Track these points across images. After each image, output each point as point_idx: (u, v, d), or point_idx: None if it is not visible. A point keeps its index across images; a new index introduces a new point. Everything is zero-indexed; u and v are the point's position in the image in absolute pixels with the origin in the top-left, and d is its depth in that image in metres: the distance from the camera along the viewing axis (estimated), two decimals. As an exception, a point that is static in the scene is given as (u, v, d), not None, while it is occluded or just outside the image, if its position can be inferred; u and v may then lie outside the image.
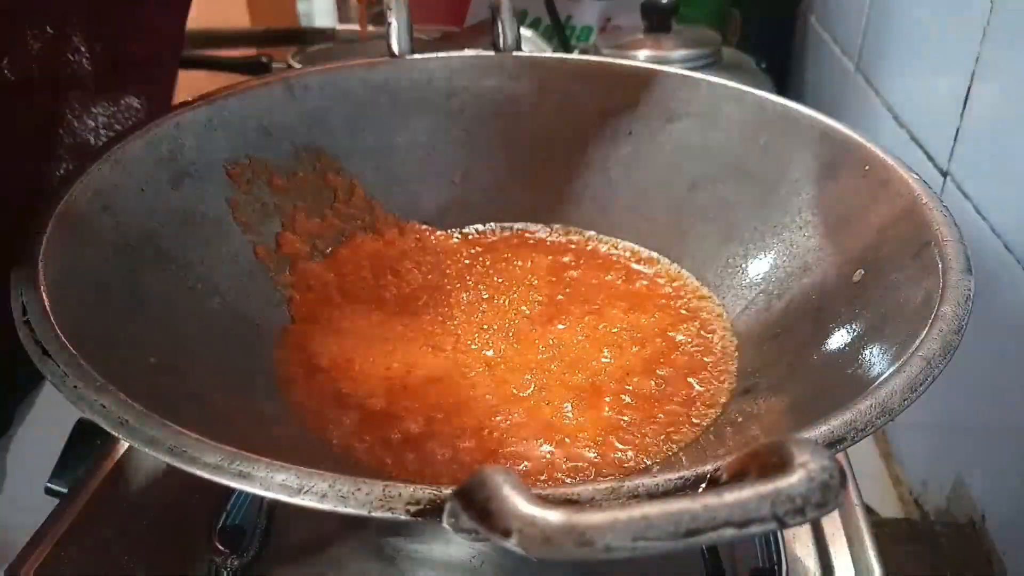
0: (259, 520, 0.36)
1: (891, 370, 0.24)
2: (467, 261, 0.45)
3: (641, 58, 0.82)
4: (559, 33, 0.88)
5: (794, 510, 0.16)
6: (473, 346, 0.39)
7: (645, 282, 0.44)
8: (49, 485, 0.45)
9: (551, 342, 0.39)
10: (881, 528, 0.45)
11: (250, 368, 0.36)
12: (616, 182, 0.48)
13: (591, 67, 0.48)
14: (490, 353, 0.38)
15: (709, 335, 0.40)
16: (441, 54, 0.49)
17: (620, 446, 0.33)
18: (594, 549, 0.15)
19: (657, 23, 0.84)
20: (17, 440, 0.57)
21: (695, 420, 0.34)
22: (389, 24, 0.47)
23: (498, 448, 0.33)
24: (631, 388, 0.36)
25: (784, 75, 0.96)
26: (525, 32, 0.84)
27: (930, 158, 0.53)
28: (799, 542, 0.37)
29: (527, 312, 0.41)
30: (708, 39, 0.86)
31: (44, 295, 0.25)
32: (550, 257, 0.46)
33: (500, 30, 0.48)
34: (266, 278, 0.41)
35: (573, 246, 0.47)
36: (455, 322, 0.40)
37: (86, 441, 0.45)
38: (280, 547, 0.36)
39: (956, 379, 0.48)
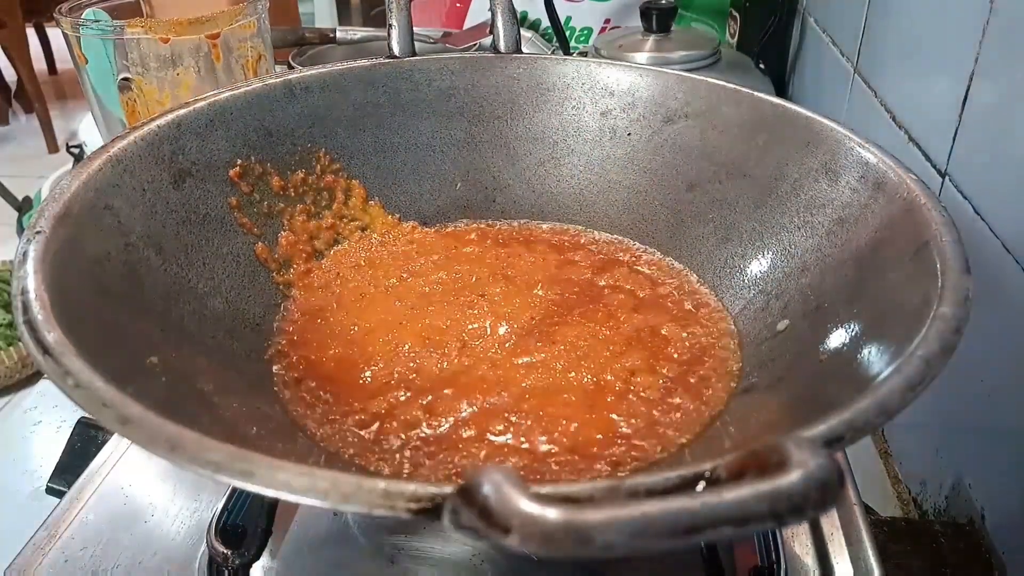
0: (260, 519, 0.36)
1: (890, 370, 0.24)
2: (468, 263, 0.46)
3: (640, 59, 0.82)
4: (559, 34, 0.88)
5: (792, 509, 0.16)
6: (476, 347, 0.39)
7: (647, 281, 0.44)
8: (49, 485, 0.46)
9: (554, 341, 0.39)
10: (880, 527, 0.45)
11: (250, 368, 0.36)
12: (616, 182, 0.48)
13: (590, 68, 0.48)
14: (495, 353, 0.38)
15: (709, 334, 0.40)
16: (441, 55, 0.49)
17: (621, 444, 0.33)
18: (593, 547, 0.15)
19: (656, 24, 0.85)
20: (17, 440, 0.57)
21: (695, 419, 0.34)
22: (390, 25, 0.47)
23: (500, 447, 0.33)
24: (634, 387, 0.36)
25: (783, 75, 0.96)
26: (525, 33, 0.84)
27: (928, 158, 0.53)
28: (798, 541, 0.37)
29: (529, 312, 0.41)
30: (707, 40, 0.86)
31: (44, 295, 0.25)
32: (551, 258, 0.46)
33: (499, 31, 0.49)
34: (267, 278, 0.41)
35: (573, 246, 0.47)
36: (457, 323, 0.40)
37: (86, 440, 0.45)
38: (280, 546, 0.37)
39: (955, 379, 0.48)
